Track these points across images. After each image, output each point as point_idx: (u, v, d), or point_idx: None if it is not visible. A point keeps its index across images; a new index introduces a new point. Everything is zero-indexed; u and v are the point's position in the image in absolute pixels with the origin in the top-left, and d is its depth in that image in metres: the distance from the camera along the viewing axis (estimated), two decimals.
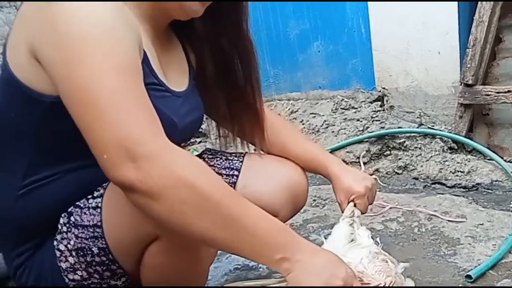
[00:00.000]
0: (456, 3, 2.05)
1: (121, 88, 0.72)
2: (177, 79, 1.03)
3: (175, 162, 0.72)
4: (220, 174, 1.18)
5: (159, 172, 0.70)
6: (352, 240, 1.02)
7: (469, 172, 2.06)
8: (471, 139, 2.16)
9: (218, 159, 1.22)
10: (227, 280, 1.50)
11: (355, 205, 1.16)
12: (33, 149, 0.87)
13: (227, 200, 0.74)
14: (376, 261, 0.93)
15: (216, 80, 1.11)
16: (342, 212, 1.16)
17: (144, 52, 0.86)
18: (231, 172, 1.19)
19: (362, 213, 1.17)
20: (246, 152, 1.24)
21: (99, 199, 0.86)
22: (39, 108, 0.83)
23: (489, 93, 2.05)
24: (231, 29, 1.04)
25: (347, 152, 2.34)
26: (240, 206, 0.75)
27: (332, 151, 2.36)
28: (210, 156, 1.23)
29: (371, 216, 1.79)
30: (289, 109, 2.55)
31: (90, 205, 0.86)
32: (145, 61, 0.87)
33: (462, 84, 2.11)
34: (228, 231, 0.73)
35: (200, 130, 2.24)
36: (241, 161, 1.21)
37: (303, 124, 2.50)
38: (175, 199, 0.71)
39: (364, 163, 2.31)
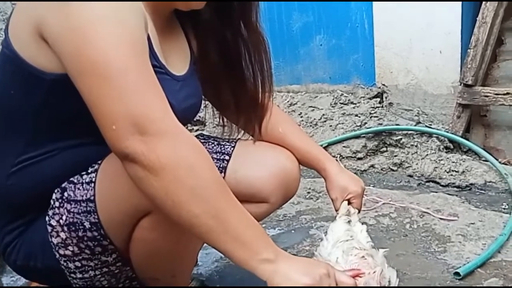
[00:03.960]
0: (460, 3, 2.05)
1: (132, 64, 0.74)
2: (177, 64, 1.03)
3: (180, 143, 0.74)
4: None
5: (163, 149, 0.72)
6: (351, 237, 1.02)
7: (463, 172, 2.07)
8: (468, 140, 2.17)
9: (210, 143, 1.22)
10: (217, 267, 1.51)
11: (349, 203, 1.17)
12: (31, 127, 0.88)
13: (220, 194, 0.76)
14: (353, 258, 0.94)
15: (221, 71, 1.11)
16: (336, 209, 1.17)
17: (147, 35, 0.87)
18: (222, 157, 1.19)
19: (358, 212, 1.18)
20: (239, 138, 1.25)
21: (93, 174, 0.86)
22: (40, 85, 0.83)
23: (488, 94, 2.06)
24: (240, 23, 1.04)
25: (344, 146, 2.35)
26: (231, 203, 0.77)
27: (329, 145, 2.37)
28: (202, 141, 1.22)
29: (364, 210, 1.80)
30: (288, 101, 2.56)
31: (84, 180, 0.87)
32: (147, 42, 0.87)
33: (462, 84, 2.12)
34: (215, 222, 0.74)
35: (198, 118, 2.24)
36: (233, 147, 1.21)
37: (301, 117, 2.50)
38: (173, 178, 0.72)
39: (360, 159, 2.32)
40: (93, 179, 0.86)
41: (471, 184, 2.03)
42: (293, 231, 1.75)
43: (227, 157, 1.19)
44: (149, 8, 0.91)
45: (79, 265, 0.90)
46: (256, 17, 1.04)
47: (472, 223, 1.66)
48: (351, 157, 2.33)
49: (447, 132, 2.19)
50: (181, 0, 0.96)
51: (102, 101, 0.73)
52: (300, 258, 0.82)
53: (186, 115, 1.06)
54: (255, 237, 0.77)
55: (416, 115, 2.29)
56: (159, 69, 0.92)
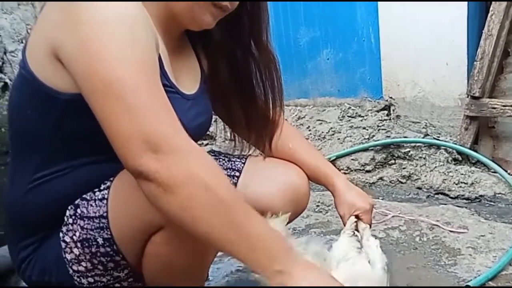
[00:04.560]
0: (465, 16, 2.06)
1: (143, 83, 0.75)
2: (187, 82, 1.05)
3: (193, 160, 0.75)
4: None
5: (177, 167, 0.73)
6: (357, 249, 1.02)
7: (472, 183, 2.06)
8: (476, 151, 2.16)
9: (220, 160, 1.23)
10: (228, 282, 1.52)
11: (358, 219, 1.17)
12: (47, 146, 0.90)
13: (236, 205, 0.77)
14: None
15: (232, 89, 1.12)
16: (344, 224, 1.17)
17: (158, 55, 0.89)
18: (232, 173, 1.20)
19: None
20: (249, 155, 1.26)
21: (105, 191, 0.88)
22: (55, 105, 0.85)
23: (495, 106, 2.06)
24: (250, 42, 1.05)
25: (352, 159, 2.35)
26: (247, 213, 0.78)
27: (337, 158, 2.37)
28: (213, 157, 1.24)
29: (373, 223, 1.79)
30: (296, 115, 2.57)
31: (96, 197, 0.88)
32: (158, 62, 0.89)
33: (469, 96, 2.12)
34: (232, 234, 0.75)
35: (208, 132, 2.26)
36: (243, 163, 1.22)
37: (309, 130, 2.51)
38: (187, 194, 0.73)
39: (368, 171, 2.32)
40: (106, 196, 0.87)
41: (481, 196, 2.02)
42: None
43: (237, 173, 1.20)
44: (161, 28, 0.92)
45: (92, 280, 0.91)
46: (267, 36, 1.06)
47: (482, 236, 1.65)
48: (360, 170, 2.33)
49: (455, 144, 2.19)
50: (189, 15, 0.95)
51: (114, 120, 0.74)
52: (315, 269, 0.82)
53: (196, 133, 1.08)
54: (271, 246, 0.78)
55: (423, 128, 2.29)
56: (170, 89, 0.93)
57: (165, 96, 0.79)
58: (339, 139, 2.43)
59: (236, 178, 1.20)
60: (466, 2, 2.04)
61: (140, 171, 0.73)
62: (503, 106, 2.04)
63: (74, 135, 0.88)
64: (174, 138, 0.75)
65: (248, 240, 0.76)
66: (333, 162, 2.30)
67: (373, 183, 2.29)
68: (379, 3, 2.24)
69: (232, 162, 1.23)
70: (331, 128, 2.47)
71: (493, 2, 2.06)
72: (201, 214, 0.74)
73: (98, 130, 0.77)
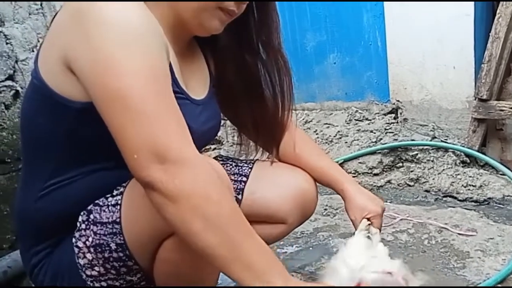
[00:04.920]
0: (472, 18, 2.06)
1: (153, 93, 0.76)
2: (197, 87, 1.05)
3: (198, 172, 0.76)
4: None
5: (182, 178, 0.74)
6: (370, 252, 1.02)
7: (481, 186, 2.06)
8: (484, 154, 2.16)
9: (228, 165, 1.24)
10: (236, 285, 1.53)
11: (369, 222, 1.17)
12: (59, 154, 0.91)
13: (235, 223, 0.78)
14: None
15: (241, 92, 1.13)
16: (355, 229, 1.16)
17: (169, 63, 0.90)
18: (240, 178, 1.21)
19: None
20: (257, 159, 1.26)
21: (118, 197, 0.89)
22: (67, 114, 0.86)
23: (503, 108, 2.06)
24: (258, 45, 1.06)
25: (360, 163, 2.35)
26: (245, 231, 0.79)
27: (345, 161, 2.37)
28: (221, 162, 1.24)
29: (382, 227, 1.80)
30: (303, 119, 2.58)
31: (109, 203, 0.89)
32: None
33: (477, 99, 2.12)
34: (229, 252, 0.76)
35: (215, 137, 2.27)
36: (251, 168, 1.23)
37: (316, 134, 2.52)
38: (189, 207, 0.74)
39: (376, 174, 2.32)
40: (119, 202, 0.88)
41: (489, 198, 2.02)
42: (311, 248, 1.76)
43: (244, 179, 1.21)
44: (170, 35, 0.93)
45: (105, 285, 0.92)
46: (278, 38, 1.06)
47: (491, 238, 1.65)
48: (367, 173, 2.33)
49: (463, 146, 2.19)
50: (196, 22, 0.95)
51: (124, 130, 0.75)
52: (308, 285, 0.84)
53: (206, 138, 1.09)
54: (267, 266, 0.78)
55: (431, 130, 2.29)
56: (180, 95, 0.94)
57: (176, 106, 0.79)
58: (346, 142, 2.44)
59: (243, 184, 1.21)
60: (472, 5, 2.04)
61: (147, 181, 0.75)
62: (511, 108, 2.04)
63: (86, 142, 0.89)
64: (182, 150, 0.76)
65: (244, 259, 0.76)
66: (340, 165, 2.30)
67: (381, 186, 2.29)
68: (386, 6, 2.24)
69: (240, 167, 1.24)
70: (339, 131, 2.47)
71: (499, 5, 2.07)
72: (198, 227, 0.75)
73: (109, 137, 0.78)
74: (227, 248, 0.76)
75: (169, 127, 0.76)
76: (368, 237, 1.10)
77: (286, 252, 1.72)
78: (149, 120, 0.75)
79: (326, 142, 2.48)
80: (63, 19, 0.83)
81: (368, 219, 1.17)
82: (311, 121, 2.57)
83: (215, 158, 1.29)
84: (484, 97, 2.08)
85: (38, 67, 0.88)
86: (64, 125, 0.88)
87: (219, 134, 1.22)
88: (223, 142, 2.66)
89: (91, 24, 0.76)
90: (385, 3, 2.24)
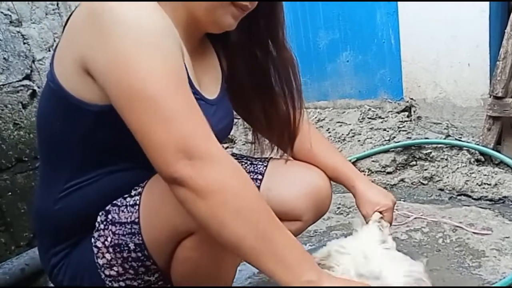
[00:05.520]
0: (487, 16, 2.04)
1: (174, 91, 0.77)
2: (210, 86, 1.06)
3: (225, 166, 0.77)
4: None
5: (210, 173, 0.75)
6: (383, 243, 1.02)
7: (496, 184, 2.04)
8: (499, 152, 2.14)
9: (243, 163, 1.25)
10: (250, 283, 1.54)
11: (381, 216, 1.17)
12: (77, 156, 0.92)
13: (265, 216, 0.79)
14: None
15: (252, 89, 1.13)
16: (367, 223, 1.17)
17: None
18: (255, 176, 1.21)
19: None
20: (271, 157, 1.27)
21: (137, 197, 0.90)
22: (85, 117, 0.87)
23: None
24: (268, 41, 1.06)
25: (373, 161, 2.35)
26: (274, 224, 0.80)
27: (358, 159, 2.37)
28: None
29: (395, 225, 1.80)
30: (316, 117, 2.58)
31: (128, 203, 0.90)
32: None
33: (492, 97, 2.10)
34: (260, 244, 0.77)
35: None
36: (266, 166, 1.23)
37: (329, 132, 2.51)
38: (219, 201, 0.75)
39: (389, 173, 2.32)
40: (137, 202, 0.89)
41: (504, 197, 2.00)
42: (324, 247, 1.76)
43: (260, 177, 1.21)
44: (183, 33, 0.93)
45: (124, 284, 0.93)
46: (283, 35, 1.07)
47: (506, 237, 1.64)
48: (381, 171, 2.32)
49: (478, 144, 2.17)
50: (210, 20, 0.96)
51: (148, 129, 0.76)
52: (342, 279, 0.84)
53: (221, 136, 1.10)
54: (299, 259, 0.79)
55: (445, 128, 2.28)
56: (195, 95, 0.95)
57: (195, 102, 0.80)
58: (359, 141, 2.43)
59: (258, 181, 1.21)
60: (488, 2, 2.02)
61: (174, 177, 0.75)
62: None
63: (104, 144, 0.90)
64: (207, 145, 0.77)
65: (276, 251, 0.77)
66: (353, 164, 2.29)
67: (394, 184, 2.28)
68: (399, 4, 2.23)
69: (255, 166, 1.24)
70: (351, 130, 2.47)
71: None
72: (230, 221, 0.76)
73: (127, 139, 0.78)
74: (259, 240, 0.76)
75: (193, 124, 0.77)
76: (380, 229, 1.10)
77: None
78: (174, 117, 0.75)
79: (339, 141, 2.47)
80: (77, 21, 0.83)
81: (380, 213, 1.17)
82: (323, 119, 2.57)
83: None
84: (500, 94, 2.07)
85: (54, 69, 0.88)
86: (82, 128, 0.89)
87: (231, 132, 1.22)
88: (236, 141, 2.67)
89: (106, 25, 0.76)
90: (399, 1, 2.22)
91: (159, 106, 0.75)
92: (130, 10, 0.77)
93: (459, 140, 2.23)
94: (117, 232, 0.90)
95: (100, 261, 0.92)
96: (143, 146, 0.78)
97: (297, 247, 0.81)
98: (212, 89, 1.07)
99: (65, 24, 0.89)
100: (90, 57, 0.80)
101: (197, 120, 0.78)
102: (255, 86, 1.13)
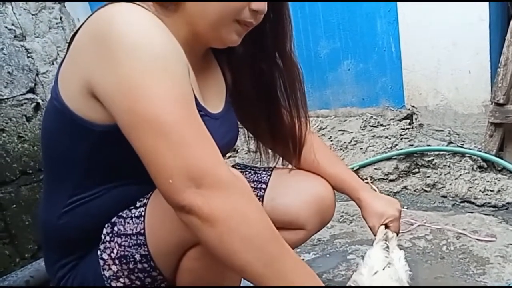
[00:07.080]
0: (487, 23, 2.05)
1: (183, 117, 0.76)
2: (214, 100, 1.06)
3: (233, 193, 0.76)
4: None
5: (218, 202, 0.74)
6: (388, 265, 1.03)
7: (499, 191, 2.04)
8: (502, 158, 2.14)
9: (247, 172, 1.25)
10: None
11: (386, 228, 1.18)
12: (81, 172, 0.92)
13: (272, 241, 0.78)
14: None
15: (257, 101, 1.13)
16: (375, 235, 1.17)
17: None
18: (259, 185, 1.22)
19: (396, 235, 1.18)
20: (275, 167, 1.28)
21: (142, 209, 0.90)
22: (90, 136, 0.86)
23: None
24: (275, 54, 1.06)
25: (375, 169, 2.35)
26: (282, 250, 0.79)
27: (360, 167, 2.37)
28: (239, 170, 1.24)
29: (399, 233, 1.79)
30: (317, 126, 2.58)
31: (133, 215, 0.91)
32: None
33: (493, 103, 2.11)
34: (268, 269, 0.76)
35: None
36: (269, 175, 1.24)
37: (331, 140, 2.52)
38: (226, 228, 0.75)
39: (392, 180, 2.32)
40: (143, 213, 0.90)
41: (508, 203, 2.00)
42: (328, 256, 1.76)
43: (264, 186, 1.22)
44: (186, 48, 0.91)
45: None
46: (291, 47, 1.07)
47: (511, 244, 1.64)
48: (383, 179, 2.33)
49: (480, 151, 2.17)
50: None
51: (156, 155, 0.75)
52: None
53: (225, 150, 1.10)
54: (306, 282, 0.79)
55: (447, 135, 2.28)
56: (200, 112, 0.94)
57: (204, 127, 0.79)
58: (361, 148, 2.44)
59: (263, 190, 1.22)
60: (487, 9, 2.03)
61: (182, 205, 0.75)
62: None
63: (108, 162, 0.90)
64: (216, 172, 0.76)
65: (284, 276, 0.77)
66: (356, 171, 2.30)
67: (397, 192, 2.28)
68: (399, 12, 2.24)
69: (258, 175, 1.25)
70: (353, 138, 2.47)
71: None
72: (238, 248, 0.75)
73: (132, 157, 0.78)
74: (267, 266, 0.76)
75: (202, 151, 0.76)
76: (387, 247, 1.10)
77: (303, 259, 1.73)
78: (183, 144, 0.75)
79: (341, 149, 2.48)
80: (83, 40, 0.82)
81: (386, 225, 1.17)
82: (325, 127, 2.58)
83: (233, 166, 1.30)
84: (501, 101, 2.07)
85: (59, 88, 0.87)
86: (87, 147, 0.88)
87: None
88: (238, 150, 2.68)
89: (113, 49, 0.75)
90: (399, 9, 2.24)
91: (168, 133, 0.74)
92: (138, 33, 0.75)
93: (461, 147, 2.23)
94: (123, 243, 0.90)
95: (107, 273, 0.92)
96: (150, 171, 0.77)
97: (305, 270, 0.81)
98: (216, 103, 1.06)
99: (70, 41, 0.89)
100: (97, 81, 0.78)
101: (206, 146, 0.78)
102: (261, 98, 1.13)
